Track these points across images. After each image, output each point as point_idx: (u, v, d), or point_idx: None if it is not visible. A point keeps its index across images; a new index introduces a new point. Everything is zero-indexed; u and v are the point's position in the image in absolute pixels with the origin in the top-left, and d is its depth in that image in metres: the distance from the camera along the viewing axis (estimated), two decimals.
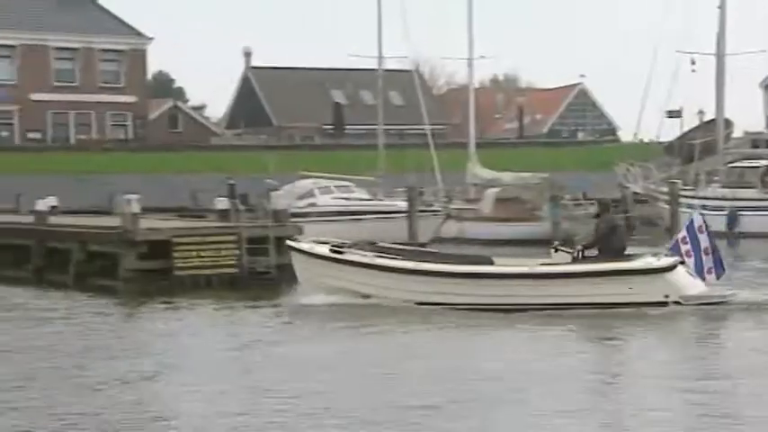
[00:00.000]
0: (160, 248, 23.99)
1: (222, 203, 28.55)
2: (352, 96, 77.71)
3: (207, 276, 24.42)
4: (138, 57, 65.99)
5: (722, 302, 19.21)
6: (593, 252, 20.03)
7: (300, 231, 26.42)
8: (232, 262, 24.59)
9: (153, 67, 71.31)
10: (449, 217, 37.18)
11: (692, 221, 19.62)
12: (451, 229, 35.41)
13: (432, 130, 45.14)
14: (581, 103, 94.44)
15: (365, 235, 27.88)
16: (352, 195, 41.64)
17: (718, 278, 19.68)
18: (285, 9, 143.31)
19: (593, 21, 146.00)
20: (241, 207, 28.92)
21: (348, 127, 72.48)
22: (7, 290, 25.49)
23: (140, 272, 24.12)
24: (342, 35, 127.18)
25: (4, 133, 61.47)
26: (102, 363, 15.50)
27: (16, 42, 61.51)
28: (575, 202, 40.39)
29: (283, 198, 36.38)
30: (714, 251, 19.38)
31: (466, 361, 15.60)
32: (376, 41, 46.85)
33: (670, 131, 53.89)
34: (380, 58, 46.31)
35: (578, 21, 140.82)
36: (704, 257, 19.27)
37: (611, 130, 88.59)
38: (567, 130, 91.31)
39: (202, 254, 23.88)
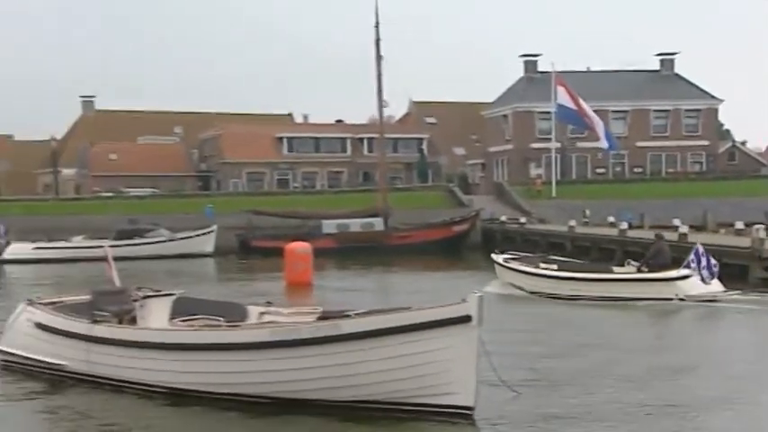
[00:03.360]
0: None
1: None
2: None
3: None
4: (711, 113, 69.64)
5: (714, 300, 20.67)
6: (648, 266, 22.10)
7: None
8: None
9: None
10: None
11: (696, 249, 21.33)
12: None
13: None
14: None
15: None
16: None
17: (706, 282, 21.14)
18: None
19: None
20: None
21: None
22: None
23: (764, 279, 23.91)
24: None
25: (618, 169, 67.44)
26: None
27: (628, 108, 68.12)
28: None
29: None
30: (708, 267, 21.15)
31: None
32: None
33: None
34: None
35: None
36: (702, 270, 21.03)
37: None
38: None
39: None
